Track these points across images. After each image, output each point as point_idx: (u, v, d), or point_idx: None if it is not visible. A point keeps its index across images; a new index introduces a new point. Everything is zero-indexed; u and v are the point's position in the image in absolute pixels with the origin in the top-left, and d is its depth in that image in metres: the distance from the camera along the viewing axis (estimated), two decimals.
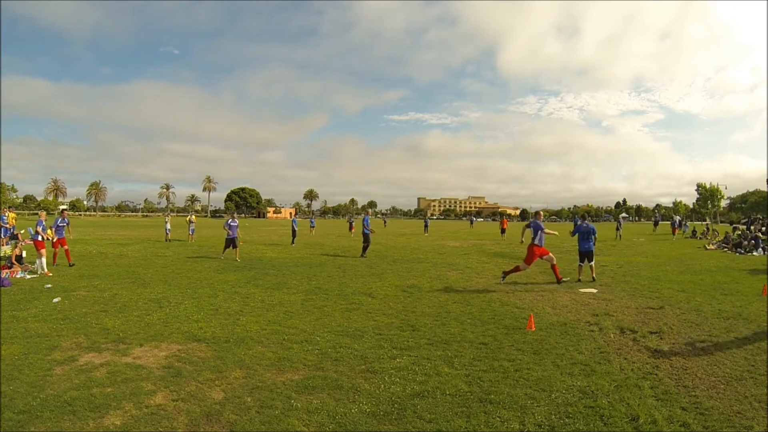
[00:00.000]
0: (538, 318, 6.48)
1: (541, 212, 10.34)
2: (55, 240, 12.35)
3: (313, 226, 32.72)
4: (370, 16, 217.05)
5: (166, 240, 21.75)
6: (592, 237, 10.69)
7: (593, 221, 17.36)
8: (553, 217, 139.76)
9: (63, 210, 13.62)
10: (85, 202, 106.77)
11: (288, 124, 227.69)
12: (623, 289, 9.33)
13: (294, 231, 21.25)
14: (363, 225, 15.55)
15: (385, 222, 59.07)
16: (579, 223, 11.33)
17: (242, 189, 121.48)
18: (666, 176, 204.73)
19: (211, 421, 3.33)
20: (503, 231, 27.51)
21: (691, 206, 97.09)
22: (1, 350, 4.72)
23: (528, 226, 10.24)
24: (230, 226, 14.23)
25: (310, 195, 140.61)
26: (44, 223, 11.80)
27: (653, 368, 4.53)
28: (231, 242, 14.25)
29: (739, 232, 23.18)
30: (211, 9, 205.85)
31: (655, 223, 41.10)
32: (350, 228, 30.19)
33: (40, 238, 11.09)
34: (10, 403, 3.51)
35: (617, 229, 28.06)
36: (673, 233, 29.60)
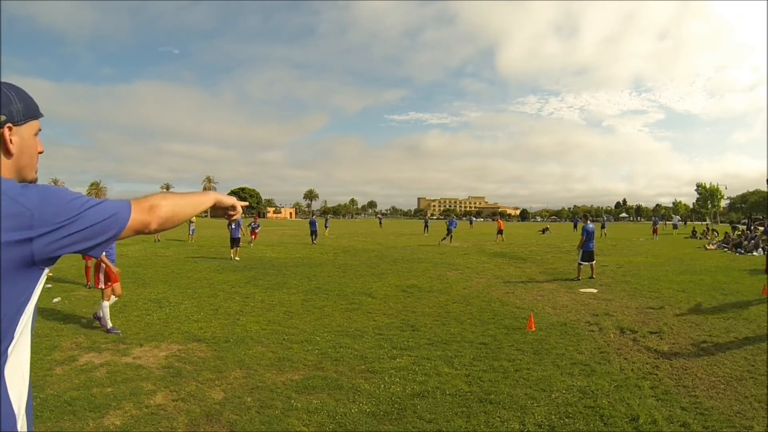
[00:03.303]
0: (538, 318, 6.47)
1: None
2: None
3: (327, 227, 33.54)
4: (367, 16, 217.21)
5: (155, 240, 21.83)
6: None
7: (593, 221, 17.40)
8: (553, 217, 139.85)
9: None
10: None
11: (288, 124, 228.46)
12: (623, 289, 9.32)
13: (314, 231, 22.87)
14: (450, 223, 23.02)
15: (380, 222, 58.90)
16: (581, 223, 11.38)
17: (242, 189, 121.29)
18: (666, 176, 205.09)
19: (211, 421, 3.33)
20: (500, 232, 26.88)
21: (691, 206, 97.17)
22: None
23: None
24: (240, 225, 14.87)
25: (310, 195, 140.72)
26: None
27: (653, 368, 4.53)
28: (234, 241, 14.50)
29: (739, 232, 23.18)
30: (208, 9, 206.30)
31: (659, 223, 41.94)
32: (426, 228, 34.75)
33: None
34: None
35: (602, 227, 29.56)
36: (654, 233, 30.51)
